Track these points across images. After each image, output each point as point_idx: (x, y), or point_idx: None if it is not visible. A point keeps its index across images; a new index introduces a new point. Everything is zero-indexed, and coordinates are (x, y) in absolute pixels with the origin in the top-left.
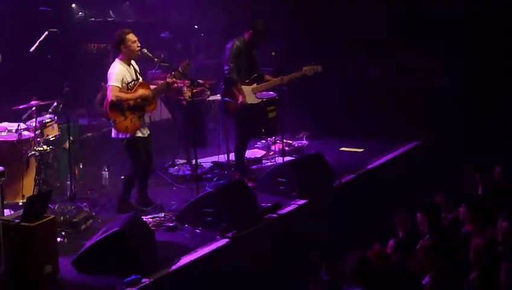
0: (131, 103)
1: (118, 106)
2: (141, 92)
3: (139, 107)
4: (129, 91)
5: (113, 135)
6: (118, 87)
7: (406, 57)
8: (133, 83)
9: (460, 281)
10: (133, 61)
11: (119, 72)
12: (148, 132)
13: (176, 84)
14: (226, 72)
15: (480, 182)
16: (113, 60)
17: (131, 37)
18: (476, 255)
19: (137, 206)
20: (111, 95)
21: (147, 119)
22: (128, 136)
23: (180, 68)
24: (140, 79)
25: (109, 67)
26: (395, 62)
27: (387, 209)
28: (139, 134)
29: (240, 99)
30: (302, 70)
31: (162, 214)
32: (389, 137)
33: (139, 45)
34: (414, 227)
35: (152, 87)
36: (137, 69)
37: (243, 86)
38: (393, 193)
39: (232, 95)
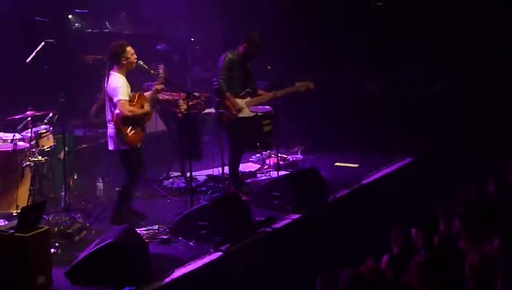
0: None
1: (130, 119)
2: (147, 105)
3: (142, 119)
4: (135, 104)
5: (112, 147)
6: (128, 101)
7: (402, 70)
8: (131, 94)
9: None
10: None
11: (124, 86)
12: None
13: (163, 90)
14: (214, 83)
15: (475, 197)
16: (109, 72)
17: (130, 49)
18: (471, 271)
19: (132, 218)
20: (125, 110)
21: None
22: (128, 147)
23: (161, 75)
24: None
25: (106, 79)
26: (391, 76)
27: (382, 224)
28: (138, 145)
29: (233, 109)
30: (295, 86)
31: (156, 227)
32: (384, 152)
33: (136, 57)
34: (409, 242)
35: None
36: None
37: (237, 99)
38: (387, 209)
39: (226, 107)
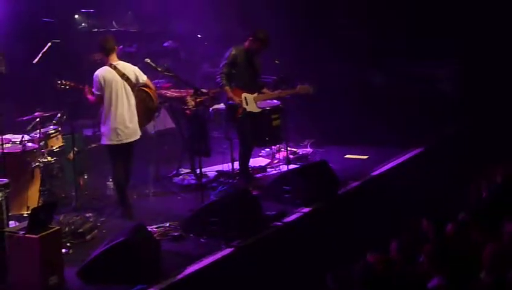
0: None
1: None
2: None
3: None
4: None
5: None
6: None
7: (409, 63)
8: None
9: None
10: None
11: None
12: None
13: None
14: (216, 76)
15: (484, 187)
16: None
17: None
18: (487, 260)
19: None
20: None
21: (151, 129)
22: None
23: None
24: None
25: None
26: (399, 69)
27: (392, 215)
28: None
29: (236, 101)
30: (296, 88)
31: (167, 224)
32: (393, 143)
33: None
34: (418, 231)
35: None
36: None
37: (245, 94)
38: (398, 200)
39: (231, 99)
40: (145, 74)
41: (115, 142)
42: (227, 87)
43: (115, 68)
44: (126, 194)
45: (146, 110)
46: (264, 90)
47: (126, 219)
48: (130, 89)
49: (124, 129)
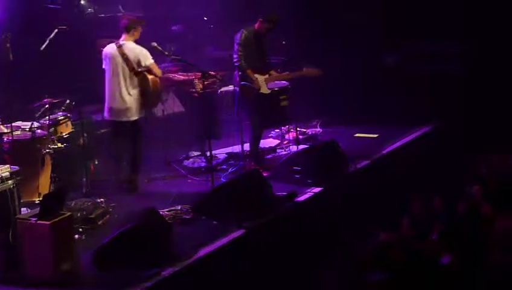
0: None
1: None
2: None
3: None
4: None
5: (136, 116)
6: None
7: (419, 41)
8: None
9: (482, 263)
10: None
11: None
12: None
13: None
14: (234, 60)
15: (496, 164)
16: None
17: (142, 28)
18: (498, 237)
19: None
20: (159, 70)
21: (160, 112)
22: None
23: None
24: None
25: (116, 48)
26: (408, 47)
27: (403, 193)
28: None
29: (256, 83)
30: (303, 71)
31: (179, 207)
32: (403, 122)
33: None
34: (428, 209)
35: None
36: None
37: (257, 75)
38: (408, 178)
39: (250, 80)
40: (156, 57)
41: (109, 118)
42: (249, 70)
43: (119, 47)
44: (120, 169)
45: (143, 93)
46: (272, 71)
47: (129, 193)
48: (128, 70)
49: (114, 107)
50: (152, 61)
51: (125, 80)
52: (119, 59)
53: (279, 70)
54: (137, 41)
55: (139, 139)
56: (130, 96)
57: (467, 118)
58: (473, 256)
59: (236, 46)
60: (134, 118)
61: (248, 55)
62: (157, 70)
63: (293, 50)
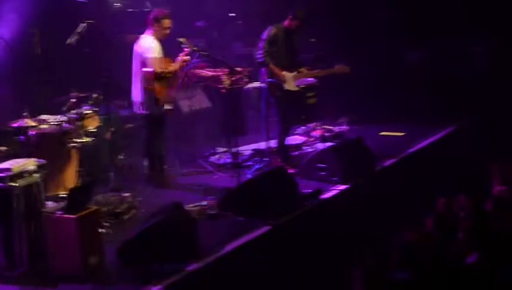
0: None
1: (160, 77)
2: (173, 66)
3: (172, 77)
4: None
5: (144, 110)
6: (158, 59)
7: (445, 39)
8: (160, 59)
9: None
10: None
11: (156, 47)
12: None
13: (185, 63)
14: (258, 56)
15: None
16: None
17: (168, 22)
18: None
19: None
20: (157, 66)
21: (186, 108)
22: (149, 112)
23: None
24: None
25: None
26: (434, 45)
27: (429, 192)
28: (167, 107)
29: (281, 79)
30: (334, 68)
31: (204, 203)
32: (429, 120)
33: (168, 32)
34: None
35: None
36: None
37: (284, 72)
38: (434, 177)
39: (275, 76)
40: (177, 54)
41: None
42: (272, 65)
43: (136, 42)
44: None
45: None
46: (302, 69)
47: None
48: (134, 63)
49: (132, 100)
50: (150, 56)
51: (135, 74)
52: (134, 53)
53: (309, 69)
54: (163, 36)
55: (155, 133)
56: (137, 90)
57: (492, 117)
58: (500, 255)
59: (261, 43)
60: (147, 112)
61: (274, 52)
62: (152, 65)
63: (321, 48)
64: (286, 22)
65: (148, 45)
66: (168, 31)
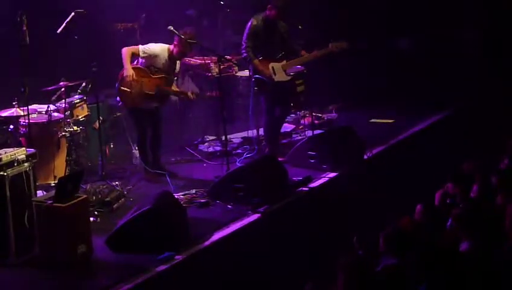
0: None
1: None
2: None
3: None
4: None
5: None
6: (135, 52)
7: (435, 25)
8: (157, 71)
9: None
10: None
11: (154, 48)
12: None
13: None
14: (242, 51)
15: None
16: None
17: (186, 43)
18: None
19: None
20: (129, 70)
21: (174, 97)
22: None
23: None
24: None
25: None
26: (424, 31)
27: (418, 179)
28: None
29: (266, 75)
30: (329, 47)
31: (194, 191)
32: (419, 108)
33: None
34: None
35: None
36: (177, 68)
37: (273, 63)
38: (423, 164)
39: (261, 73)
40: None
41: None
42: (256, 61)
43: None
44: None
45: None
46: (303, 52)
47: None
48: None
49: None
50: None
51: None
52: None
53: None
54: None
55: (138, 125)
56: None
57: (483, 104)
58: (491, 242)
59: (244, 37)
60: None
61: (257, 45)
62: (124, 60)
63: (310, 33)
64: (267, 12)
65: (153, 46)
66: (179, 49)
